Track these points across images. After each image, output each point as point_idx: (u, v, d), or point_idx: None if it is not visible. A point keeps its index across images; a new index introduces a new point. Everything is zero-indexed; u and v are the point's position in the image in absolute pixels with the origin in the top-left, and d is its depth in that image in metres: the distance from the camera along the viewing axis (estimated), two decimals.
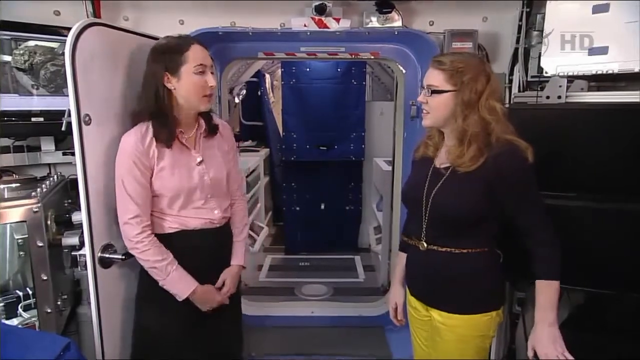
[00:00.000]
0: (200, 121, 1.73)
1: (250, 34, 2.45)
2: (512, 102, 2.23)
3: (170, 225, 1.67)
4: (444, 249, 1.50)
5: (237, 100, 4.83)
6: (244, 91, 4.85)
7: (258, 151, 5.01)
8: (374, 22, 2.45)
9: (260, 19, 2.47)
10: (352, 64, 4.45)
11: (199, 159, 1.69)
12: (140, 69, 1.69)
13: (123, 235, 1.62)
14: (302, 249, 4.78)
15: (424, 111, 1.53)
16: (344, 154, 4.62)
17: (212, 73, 1.63)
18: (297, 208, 4.82)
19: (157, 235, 1.64)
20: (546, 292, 1.41)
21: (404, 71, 2.68)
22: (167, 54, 1.58)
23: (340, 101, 4.51)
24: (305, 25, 2.44)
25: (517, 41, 2.30)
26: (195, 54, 1.58)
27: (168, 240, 1.65)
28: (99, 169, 1.60)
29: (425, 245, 1.54)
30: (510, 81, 2.38)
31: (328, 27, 2.44)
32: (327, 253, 4.72)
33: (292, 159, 4.67)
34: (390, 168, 3.54)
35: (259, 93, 5.28)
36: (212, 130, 1.75)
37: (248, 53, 2.65)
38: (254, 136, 5.30)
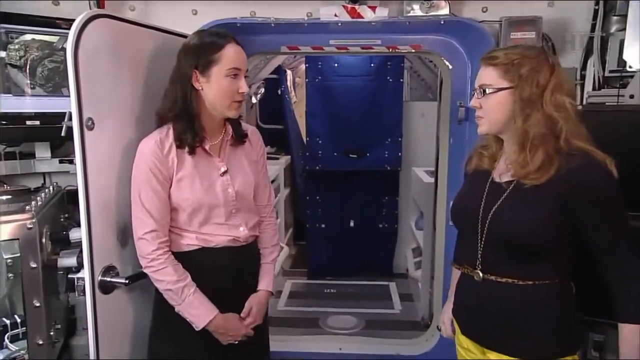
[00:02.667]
0: (227, 127, 1.76)
1: (273, 25, 2.47)
2: (585, 102, 2.16)
3: (190, 242, 1.69)
4: (504, 280, 1.46)
5: (254, 101, 4.86)
6: (262, 90, 4.88)
7: (278, 159, 5.04)
8: (416, 10, 2.44)
9: (284, 9, 2.49)
10: (387, 58, 4.44)
11: (223, 169, 1.72)
12: (150, 67, 1.72)
13: (138, 252, 1.65)
14: (328, 273, 4.76)
15: (478, 117, 1.50)
16: (378, 162, 4.59)
17: (246, 77, 1.66)
18: (322, 225, 4.81)
19: (173, 253, 1.67)
20: (633, 338, 1.34)
21: (450, 66, 2.65)
22: (200, 50, 1.62)
23: (374, 101, 4.50)
24: (335, 15, 2.44)
25: (592, 29, 2.24)
26: (230, 55, 1.62)
27: (186, 259, 1.68)
28: (101, 180, 1.62)
29: (481, 274, 1.50)
30: (583, 77, 2.33)
31: (362, 17, 2.44)
32: (357, 278, 4.67)
33: (317, 168, 4.67)
34: (432, 180, 3.51)
35: (279, 92, 5.33)
36: (239, 138, 1.79)
37: (269, 47, 2.67)
38: (273, 142, 5.33)
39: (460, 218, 1.61)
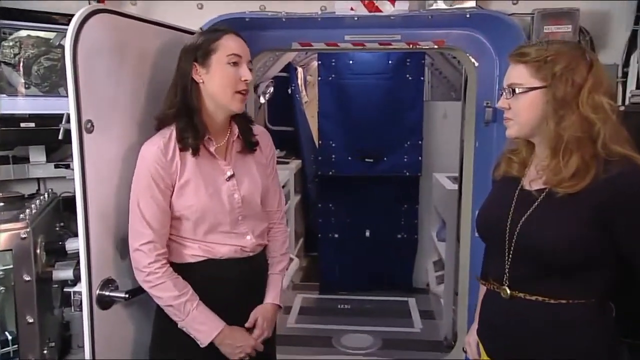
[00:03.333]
0: (232, 127, 1.78)
1: (284, 20, 2.48)
2: (628, 102, 2.14)
3: (193, 252, 1.71)
4: (534, 298, 1.44)
5: (262, 101, 4.87)
6: (271, 89, 4.90)
7: (287, 163, 5.05)
8: (440, 3, 2.43)
9: (296, 2, 2.50)
10: (407, 55, 4.44)
11: (229, 173, 1.74)
12: (154, 65, 1.73)
13: (133, 265, 1.66)
14: (342, 288, 4.76)
15: (507, 118, 1.49)
16: (396, 167, 4.59)
17: (249, 68, 1.69)
18: (336, 235, 4.82)
19: (176, 264, 1.69)
20: None
21: (476, 64, 2.65)
22: (198, 45, 1.66)
23: (392, 101, 4.51)
24: (352, 9, 2.44)
25: (637, 21, 2.21)
26: (229, 43, 1.66)
27: (189, 271, 1.69)
28: (101, 187, 1.63)
29: (508, 291, 1.48)
30: (625, 74, 2.31)
31: (381, 11, 2.44)
32: (373, 293, 4.67)
33: (330, 173, 4.68)
34: (455, 186, 3.50)
35: (289, 91, 5.35)
36: (249, 145, 1.80)
37: (280, 43, 2.69)
38: (283, 145, 5.32)
39: (486, 229, 1.60)
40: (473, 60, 2.65)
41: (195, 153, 1.67)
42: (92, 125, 1.56)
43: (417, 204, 4.77)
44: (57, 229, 2.17)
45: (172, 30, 1.90)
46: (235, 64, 1.65)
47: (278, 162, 4.92)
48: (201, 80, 1.66)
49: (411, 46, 2.65)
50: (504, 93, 1.48)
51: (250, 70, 1.71)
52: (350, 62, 4.54)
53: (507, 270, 1.49)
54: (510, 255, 1.47)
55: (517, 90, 1.44)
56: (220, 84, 1.65)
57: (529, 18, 2.36)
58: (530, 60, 1.41)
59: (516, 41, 2.21)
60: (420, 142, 4.56)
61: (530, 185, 1.50)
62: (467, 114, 2.93)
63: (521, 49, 1.46)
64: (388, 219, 4.75)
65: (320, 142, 4.72)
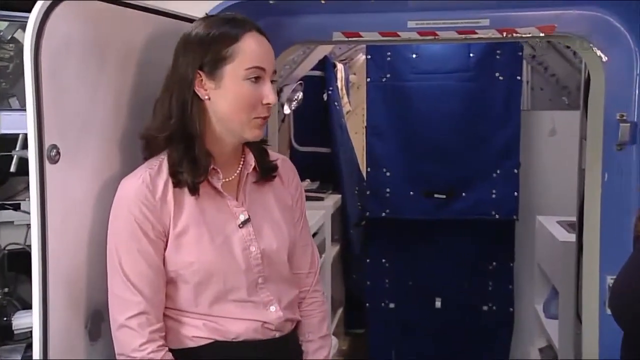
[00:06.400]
0: (247, 156, 1.82)
1: (323, 2, 2.51)
2: None
3: (196, 333, 1.71)
4: None
5: (287, 111, 4.91)
6: (300, 94, 4.94)
7: (322, 199, 5.06)
8: None
9: None
10: (496, 45, 4.45)
11: (242, 217, 1.77)
12: (146, 67, 1.76)
13: (117, 348, 1.66)
14: None
15: None
16: (480, 207, 4.59)
17: (273, 82, 1.71)
18: (391, 304, 4.84)
19: (171, 351, 1.68)
20: None
21: (604, 58, 2.62)
22: (206, 43, 1.68)
23: (474, 111, 4.53)
24: None
25: None
26: (250, 48, 1.68)
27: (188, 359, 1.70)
28: (68, 237, 1.64)
29: None
30: None
31: None
32: None
33: (383, 214, 4.70)
34: (573, 237, 3.47)
35: (325, 97, 5.39)
36: (266, 173, 1.83)
37: (317, 34, 2.73)
38: (315, 173, 5.32)
39: (625, 310, 1.58)
40: (599, 53, 2.63)
41: (195, 192, 1.69)
42: (58, 153, 1.58)
43: (512, 261, 4.74)
44: (0, 297, 2.20)
45: (172, 20, 1.95)
46: (256, 78, 1.68)
47: (308, 198, 4.94)
48: (207, 97, 1.69)
49: (505, 35, 2.64)
50: None
51: (274, 82, 1.73)
52: (414, 56, 4.57)
53: None
54: None
55: None
56: (234, 105, 1.68)
57: None
58: None
59: None
60: (516, 170, 4.53)
61: None
62: (589, 130, 2.90)
63: None
64: (469, 283, 4.74)
65: (368, 169, 4.76)
